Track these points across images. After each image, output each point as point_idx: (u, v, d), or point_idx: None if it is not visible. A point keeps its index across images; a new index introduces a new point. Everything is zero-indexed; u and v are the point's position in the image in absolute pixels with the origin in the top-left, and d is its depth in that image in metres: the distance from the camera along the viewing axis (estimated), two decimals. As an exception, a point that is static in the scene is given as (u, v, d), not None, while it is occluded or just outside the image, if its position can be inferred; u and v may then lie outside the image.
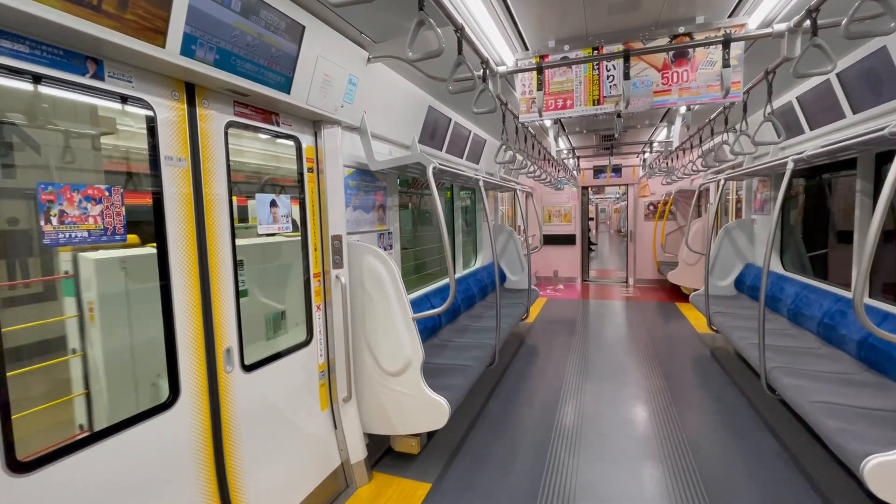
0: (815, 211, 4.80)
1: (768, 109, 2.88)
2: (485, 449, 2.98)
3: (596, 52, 2.74)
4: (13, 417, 1.27)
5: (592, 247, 15.12)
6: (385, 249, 3.31)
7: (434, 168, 2.72)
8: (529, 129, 4.99)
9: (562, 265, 9.55)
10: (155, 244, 1.71)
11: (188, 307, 1.80)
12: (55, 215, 1.36)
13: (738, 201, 6.52)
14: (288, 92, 2.13)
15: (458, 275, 5.30)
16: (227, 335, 1.97)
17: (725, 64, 2.28)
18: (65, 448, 1.39)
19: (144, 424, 1.62)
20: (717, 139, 4.58)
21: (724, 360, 4.57)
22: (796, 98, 3.73)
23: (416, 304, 3.73)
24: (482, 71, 2.42)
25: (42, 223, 1.34)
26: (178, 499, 1.75)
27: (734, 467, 2.70)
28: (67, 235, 1.41)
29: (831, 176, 4.54)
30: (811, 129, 3.76)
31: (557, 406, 3.60)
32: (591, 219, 16.73)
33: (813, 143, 3.64)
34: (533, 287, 5.87)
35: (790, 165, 2.85)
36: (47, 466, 1.34)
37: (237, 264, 2.04)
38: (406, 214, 4.45)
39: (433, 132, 3.95)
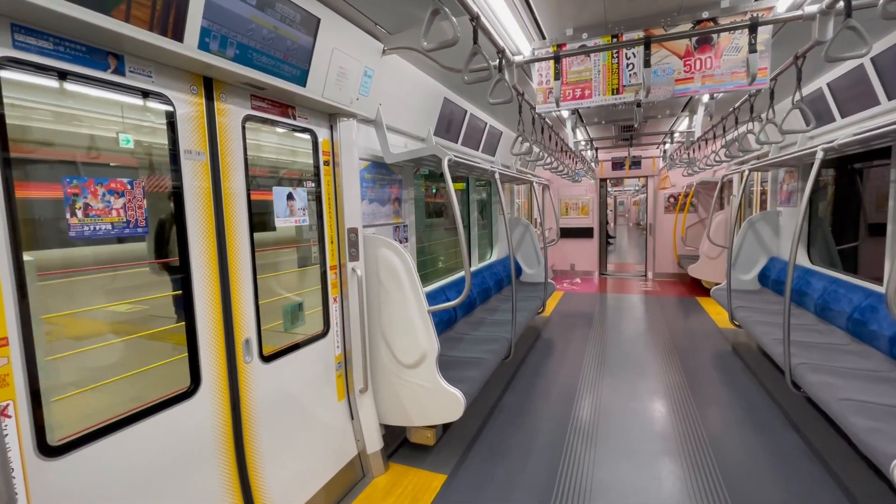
0: (844, 202, 4.62)
1: (797, 96, 2.77)
2: (500, 442, 2.98)
3: (615, 40, 2.66)
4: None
5: (610, 240, 14.90)
6: (401, 242, 3.32)
7: (449, 160, 2.70)
8: (546, 119, 4.92)
9: (579, 259, 9.43)
10: (175, 237, 1.75)
11: (208, 299, 1.83)
12: (80, 208, 1.40)
13: (763, 193, 6.32)
14: (304, 85, 2.14)
15: (473, 268, 5.29)
16: (245, 326, 2.00)
17: (752, 49, 2.19)
18: (92, 433, 1.44)
19: (167, 412, 1.66)
20: (742, 129, 4.43)
21: (746, 355, 4.46)
22: (826, 84, 3.58)
23: (432, 297, 3.74)
24: (498, 61, 2.38)
25: (68, 216, 1.38)
26: (200, 484, 1.80)
27: (756, 465, 2.64)
28: (92, 228, 1.44)
29: (863, 166, 4.36)
30: (842, 116, 3.61)
31: (574, 400, 3.57)
32: (610, 211, 16.42)
33: (844, 131, 3.50)
34: (549, 280, 5.82)
35: (820, 154, 2.74)
36: (75, 451, 1.39)
37: (255, 257, 2.06)
38: (421, 207, 4.45)
39: (448, 124, 3.93)
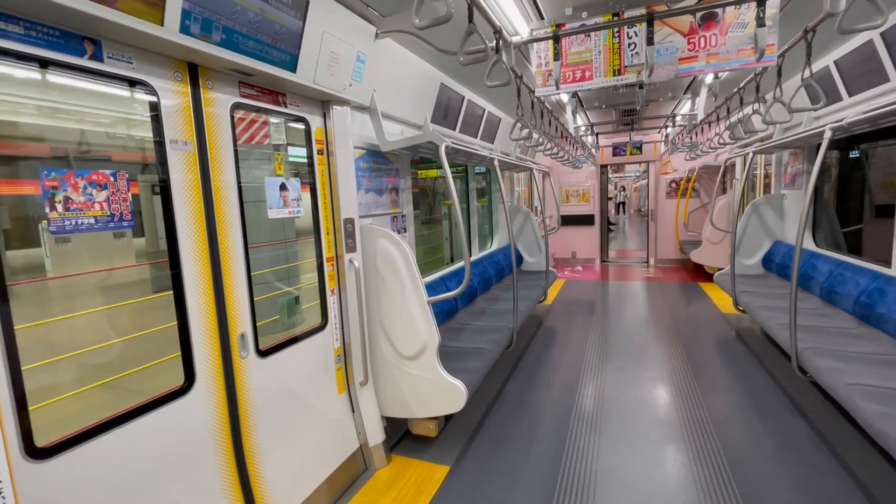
0: (850, 184, 4.54)
1: (806, 73, 2.68)
2: (503, 431, 2.96)
3: (616, 18, 2.57)
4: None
5: (612, 227, 14.82)
6: (399, 232, 3.26)
7: (447, 147, 2.63)
8: (546, 104, 4.82)
9: (580, 246, 9.37)
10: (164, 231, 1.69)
11: (200, 294, 1.78)
12: (60, 202, 1.34)
13: (767, 176, 6.23)
14: (294, 71, 2.06)
15: (473, 257, 5.23)
16: (240, 321, 1.96)
17: (760, 23, 2.10)
18: (82, 434, 1.40)
19: (160, 410, 1.62)
20: (747, 109, 4.33)
21: (750, 341, 4.42)
22: (834, 62, 3.48)
23: (432, 288, 3.69)
24: (495, 41, 2.30)
25: (47, 210, 1.32)
26: (197, 483, 1.77)
27: (762, 451, 2.61)
28: (74, 222, 1.38)
29: (869, 146, 4.27)
30: (850, 95, 3.51)
31: (577, 388, 3.54)
32: (610, 198, 16.33)
33: (852, 110, 3.40)
34: (551, 269, 5.76)
35: (828, 134, 2.66)
36: (65, 453, 1.35)
37: (248, 249, 2.01)
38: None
39: (446, 111, 3.84)
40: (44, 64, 1.34)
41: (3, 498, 1.19)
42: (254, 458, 2.00)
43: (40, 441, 1.30)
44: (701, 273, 7.72)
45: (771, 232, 5.13)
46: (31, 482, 1.27)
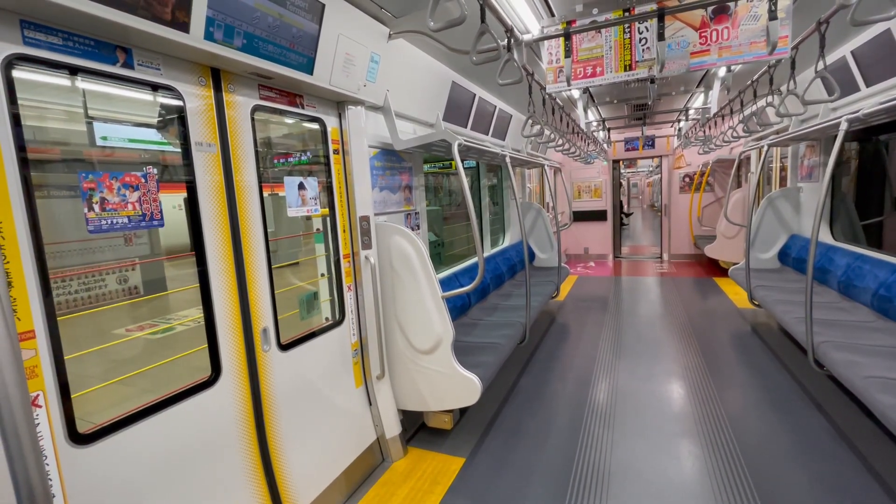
0: (868, 176, 4.46)
1: (820, 65, 2.65)
2: (517, 425, 3.00)
3: (627, 14, 2.58)
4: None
5: (624, 222, 14.70)
6: (412, 229, 3.31)
7: (459, 144, 2.67)
8: (557, 100, 4.82)
9: (592, 242, 9.33)
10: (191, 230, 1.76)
11: (225, 290, 1.86)
12: (97, 202, 1.42)
13: (783, 169, 6.13)
14: (311, 73, 2.12)
15: (486, 253, 5.27)
16: (263, 316, 2.03)
17: (772, 16, 2.10)
18: (119, 422, 1.48)
19: (190, 400, 1.70)
20: (761, 102, 4.29)
21: (766, 335, 4.39)
22: (850, 52, 3.42)
23: (445, 284, 3.74)
24: (506, 40, 2.33)
25: (85, 210, 1.40)
26: (224, 470, 1.85)
27: (779, 445, 2.60)
28: (110, 222, 1.46)
29: (888, 137, 4.19)
30: (867, 85, 3.46)
31: (591, 383, 3.56)
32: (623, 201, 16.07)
33: (869, 100, 3.35)
34: (563, 265, 5.77)
35: (844, 126, 2.63)
36: (104, 439, 1.43)
37: (269, 246, 2.08)
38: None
39: (457, 109, 3.88)
40: (80, 72, 1.41)
41: (50, 480, 1.28)
42: (276, 447, 2.07)
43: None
44: (715, 268, 7.65)
45: (787, 225, 5.06)
46: (75, 466, 1.35)
